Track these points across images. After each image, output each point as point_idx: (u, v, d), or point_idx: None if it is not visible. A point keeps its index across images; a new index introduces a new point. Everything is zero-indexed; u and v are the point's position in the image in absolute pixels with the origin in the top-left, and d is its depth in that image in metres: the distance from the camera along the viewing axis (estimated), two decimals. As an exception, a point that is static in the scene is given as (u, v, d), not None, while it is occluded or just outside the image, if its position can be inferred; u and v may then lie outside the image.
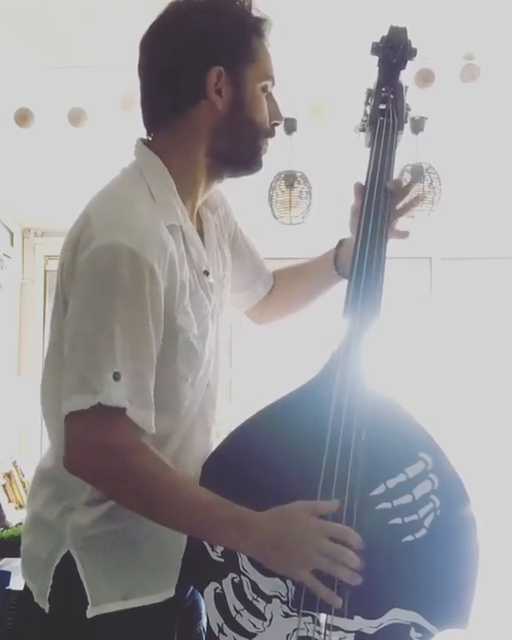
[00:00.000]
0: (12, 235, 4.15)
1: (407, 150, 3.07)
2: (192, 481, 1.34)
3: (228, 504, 1.26)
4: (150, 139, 1.46)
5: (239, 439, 1.36)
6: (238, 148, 1.43)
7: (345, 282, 1.48)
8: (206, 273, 1.44)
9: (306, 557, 1.22)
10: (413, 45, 1.52)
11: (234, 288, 1.63)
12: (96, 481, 1.31)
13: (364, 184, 1.50)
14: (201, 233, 1.49)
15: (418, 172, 3.16)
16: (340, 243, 1.62)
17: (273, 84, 1.45)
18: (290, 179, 3.30)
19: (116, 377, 1.25)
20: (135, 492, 1.29)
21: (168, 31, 1.41)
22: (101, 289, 1.28)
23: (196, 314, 1.39)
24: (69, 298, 1.32)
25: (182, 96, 1.40)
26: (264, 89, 1.43)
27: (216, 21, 1.39)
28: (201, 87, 1.38)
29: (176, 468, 1.32)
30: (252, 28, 1.41)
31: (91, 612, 1.33)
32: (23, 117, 3.18)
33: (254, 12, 1.42)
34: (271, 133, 1.46)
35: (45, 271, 4.26)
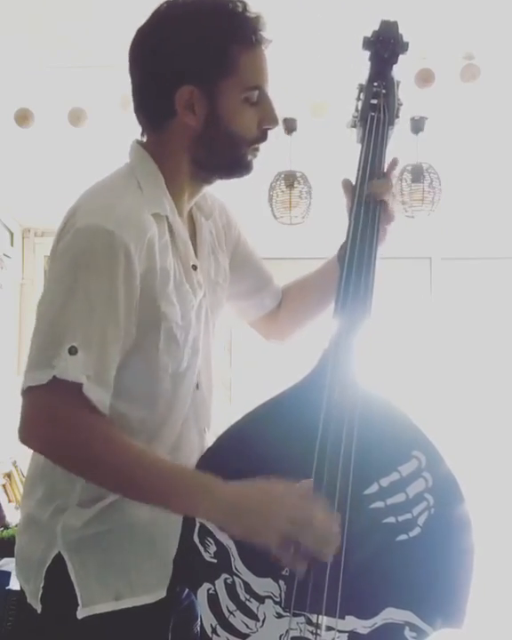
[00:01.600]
0: (12, 235, 4.15)
1: (407, 150, 3.07)
2: (151, 452, 1.32)
3: (190, 469, 1.26)
4: (144, 139, 1.46)
5: (230, 439, 1.35)
6: (218, 158, 1.41)
7: None
8: (194, 267, 1.43)
9: (273, 519, 1.20)
10: (405, 39, 1.51)
11: (236, 294, 1.62)
12: (47, 452, 1.30)
13: (354, 180, 1.49)
14: (193, 235, 1.49)
15: (418, 173, 3.16)
16: (342, 247, 1.61)
17: (262, 91, 1.40)
18: (290, 179, 3.31)
19: (72, 351, 1.24)
20: (90, 464, 1.27)
21: (144, 42, 1.39)
22: (72, 266, 1.28)
23: (181, 305, 1.38)
24: (45, 279, 1.34)
25: (156, 113, 1.40)
26: (247, 99, 1.38)
27: (191, 33, 1.34)
28: (171, 104, 1.36)
29: (134, 441, 1.30)
30: (233, 38, 1.34)
31: (81, 613, 1.32)
32: (23, 117, 3.19)
33: (247, 16, 1.36)
34: (261, 139, 1.42)
35: (45, 271, 4.25)
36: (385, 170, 1.50)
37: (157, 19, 1.38)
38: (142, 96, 1.41)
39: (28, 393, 1.27)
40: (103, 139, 3.28)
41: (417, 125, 3.09)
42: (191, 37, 1.34)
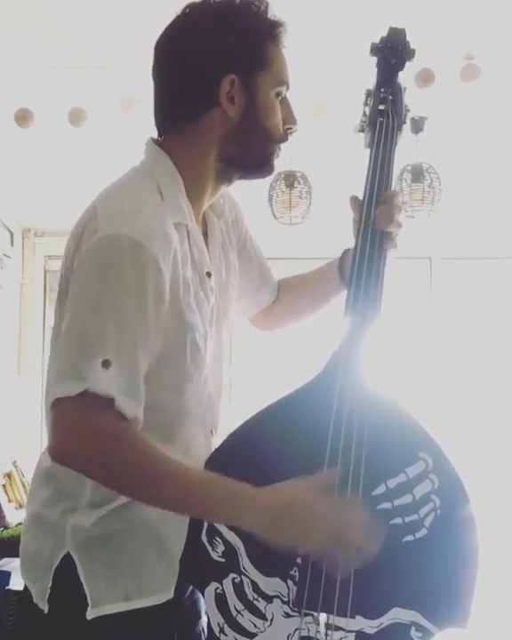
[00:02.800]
0: (12, 235, 4.15)
1: (407, 150, 3.07)
2: (185, 464, 1.29)
3: (226, 479, 1.24)
4: (161, 139, 1.46)
5: (240, 439, 1.36)
6: (249, 154, 1.43)
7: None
8: (208, 274, 1.44)
9: (322, 524, 1.21)
10: (412, 46, 1.52)
11: (240, 292, 1.63)
12: (84, 468, 1.27)
13: (363, 184, 1.49)
14: (205, 236, 1.49)
15: (418, 173, 3.16)
16: (344, 252, 1.61)
17: (287, 89, 1.44)
18: (290, 179, 3.31)
19: (106, 364, 1.22)
20: (128, 477, 1.25)
21: (182, 38, 1.41)
22: (101, 277, 1.26)
23: (200, 313, 1.39)
24: (70, 287, 1.31)
25: (195, 103, 1.40)
26: (278, 94, 1.42)
27: (229, 28, 1.38)
28: (214, 95, 1.38)
29: (167, 453, 1.28)
30: (265, 34, 1.39)
31: (90, 614, 1.32)
32: (23, 117, 3.18)
33: (270, 17, 1.40)
34: (284, 139, 1.46)
35: (45, 271, 4.26)
36: (394, 176, 1.51)
37: (191, 16, 1.41)
38: (179, 88, 1.41)
39: (58, 405, 1.24)
40: (103, 139, 3.29)
41: (417, 125, 3.08)
42: (229, 32, 1.38)
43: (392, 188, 1.50)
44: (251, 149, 1.42)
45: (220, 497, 1.24)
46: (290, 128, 1.46)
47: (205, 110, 1.39)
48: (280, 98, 1.43)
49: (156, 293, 1.28)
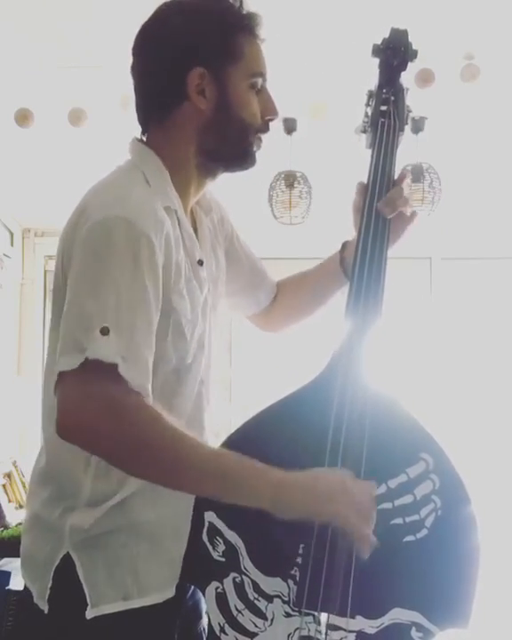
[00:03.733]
0: (12, 235, 4.15)
1: (407, 150, 3.07)
2: (200, 439, 1.27)
3: (242, 456, 1.22)
4: (144, 138, 1.47)
5: (241, 439, 1.36)
6: (227, 146, 1.43)
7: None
8: (200, 262, 1.44)
9: (340, 502, 1.21)
10: (414, 47, 1.52)
11: (232, 291, 1.63)
12: (91, 440, 1.22)
13: (366, 184, 1.50)
14: (195, 230, 1.49)
15: (418, 173, 3.16)
16: (344, 245, 1.62)
17: (264, 80, 1.45)
18: (290, 179, 3.30)
19: (104, 331, 1.20)
20: (138, 449, 1.21)
21: (151, 34, 1.42)
22: (95, 258, 1.26)
23: (190, 300, 1.38)
24: (68, 276, 1.30)
25: (166, 98, 1.41)
26: (252, 86, 1.42)
27: (197, 22, 1.39)
28: (183, 89, 1.39)
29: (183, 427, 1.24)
30: (236, 26, 1.40)
31: (90, 613, 1.32)
32: (23, 117, 3.18)
33: (244, 9, 1.41)
34: (264, 129, 1.46)
35: (45, 271, 4.25)
36: (395, 177, 1.51)
37: (162, 12, 1.42)
38: (150, 84, 1.42)
39: (60, 379, 1.22)
40: (103, 139, 3.28)
41: (417, 125, 3.08)
42: (199, 24, 1.39)
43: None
44: (228, 141, 1.42)
45: (239, 470, 1.21)
46: (271, 119, 1.46)
47: (177, 104, 1.40)
48: (257, 88, 1.43)
49: (152, 268, 1.27)
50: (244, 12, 1.42)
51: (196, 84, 1.38)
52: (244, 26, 1.41)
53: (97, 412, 1.19)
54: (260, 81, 1.44)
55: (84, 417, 1.20)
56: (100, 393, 1.20)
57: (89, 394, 1.20)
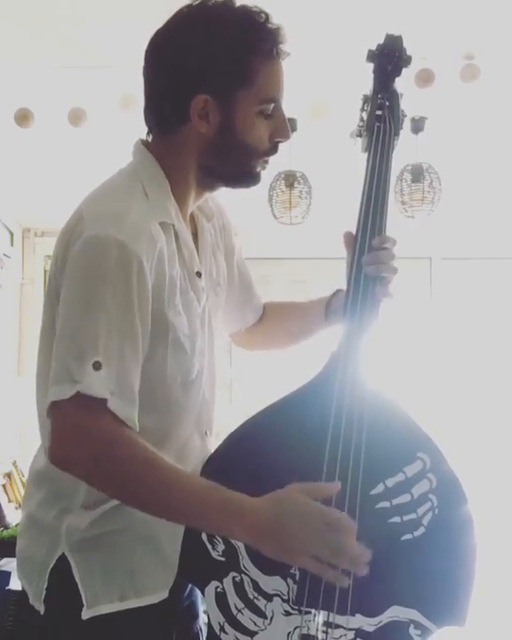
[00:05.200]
0: (12, 235, 4.15)
1: (407, 150, 3.07)
2: (182, 470, 1.29)
3: (221, 489, 1.22)
4: (149, 140, 1.45)
5: (239, 440, 1.36)
6: (228, 167, 1.41)
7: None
8: (198, 274, 1.43)
9: (307, 544, 1.18)
10: (408, 53, 1.52)
11: (224, 306, 1.61)
12: (79, 470, 1.27)
13: (361, 188, 1.49)
14: (195, 237, 1.49)
15: (418, 173, 3.17)
16: (336, 292, 1.60)
17: (276, 105, 1.38)
18: (290, 179, 3.31)
19: (97, 366, 1.23)
20: (121, 482, 1.25)
21: (163, 45, 1.37)
22: (88, 279, 1.27)
23: (187, 314, 1.38)
24: (60, 291, 1.31)
25: (170, 116, 1.38)
26: (262, 112, 1.36)
27: (211, 41, 1.32)
28: (185, 111, 1.35)
29: (164, 457, 1.27)
30: (252, 49, 1.33)
31: (86, 614, 1.32)
32: (23, 117, 3.19)
33: (265, 29, 1.33)
34: (271, 152, 1.41)
35: (45, 271, 4.25)
36: (392, 180, 1.51)
37: (178, 23, 1.37)
38: (155, 99, 1.40)
39: (54, 409, 1.25)
40: (103, 139, 3.29)
41: (417, 125, 3.09)
42: (212, 46, 1.32)
43: (390, 192, 1.49)
44: (229, 163, 1.40)
45: (214, 510, 1.22)
46: (279, 141, 1.41)
47: (180, 122, 1.37)
48: (267, 114, 1.37)
49: (141, 293, 1.28)
50: (267, 30, 1.34)
51: (199, 108, 1.34)
52: (263, 48, 1.33)
53: (84, 446, 1.25)
54: (271, 107, 1.37)
55: (72, 450, 1.26)
56: (89, 426, 1.24)
57: (78, 427, 1.25)
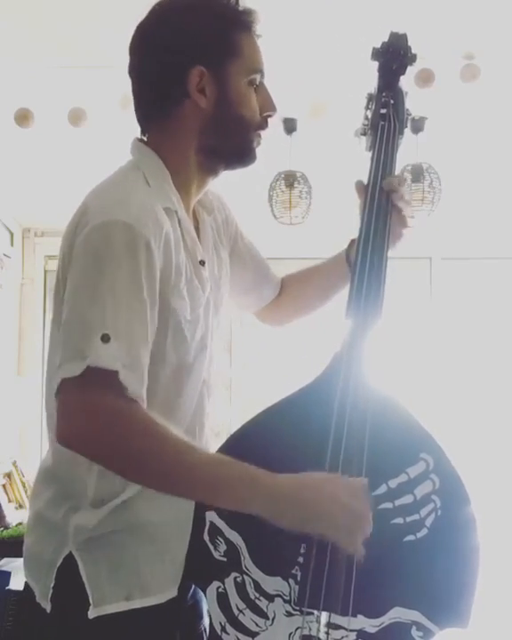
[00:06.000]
0: (12, 235, 4.14)
1: (407, 150, 3.07)
2: (195, 443, 1.28)
3: (236, 461, 1.22)
4: (145, 138, 1.48)
5: (241, 440, 1.36)
6: (228, 143, 1.44)
7: None
8: (202, 263, 1.44)
9: (327, 512, 1.19)
10: (413, 51, 1.53)
11: (238, 291, 1.64)
12: (90, 448, 1.24)
13: (365, 187, 1.50)
14: (197, 230, 1.49)
15: (418, 173, 3.16)
16: (351, 243, 1.62)
17: (262, 77, 1.46)
18: (290, 179, 3.31)
19: (105, 339, 1.21)
20: (134, 457, 1.23)
21: (149, 34, 1.43)
22: (95, 262, 1.27)
23: (191, 301, 1.38)
24: (68, 279, 1.31)
25: (167, 97, 1.41)
26: (251, 82, 1.44)
27: (195, 20, 1.40)
28: (183, 88, 1.39)
29: (175, 431, 1.26)
30: (233, 23, 1.41)
31: (92, 613, 1.33)
32: (23, 117, 3.18)
33: (240, 5, 1.42)
34: (263, 125, 1.47)
35: (45, 271, 4.25)
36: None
37: (159, 11, 1.42)
38: (151, 83, 1.43)
39: (62, 388, 1.23)
40: (103, 139, 3.28)
41: (417, 125, 3.08)
42: (197, 22, 1.40)
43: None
44: (229, 138, 1.44)
45: (231, 477, 1.22)
46: (269, 115, 1.47)
47: (178, 103, 1.41)
48: (255, 85, 1.44)
49: (149, 273, 1.28)
50: (241, 9, 1.43)
51: (196, 83, 1.39)
52: (242, 22, 1.42)
53: (95, 421, 1.22)
54: (258, 77, 1.45)
55: (82, 425, 1.23)
56: (99, 401, 1.22)
57: (89, 402, 1.22)
